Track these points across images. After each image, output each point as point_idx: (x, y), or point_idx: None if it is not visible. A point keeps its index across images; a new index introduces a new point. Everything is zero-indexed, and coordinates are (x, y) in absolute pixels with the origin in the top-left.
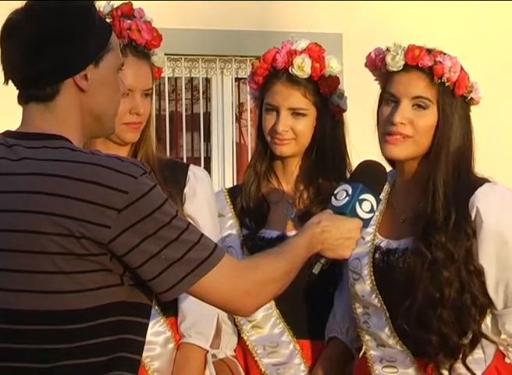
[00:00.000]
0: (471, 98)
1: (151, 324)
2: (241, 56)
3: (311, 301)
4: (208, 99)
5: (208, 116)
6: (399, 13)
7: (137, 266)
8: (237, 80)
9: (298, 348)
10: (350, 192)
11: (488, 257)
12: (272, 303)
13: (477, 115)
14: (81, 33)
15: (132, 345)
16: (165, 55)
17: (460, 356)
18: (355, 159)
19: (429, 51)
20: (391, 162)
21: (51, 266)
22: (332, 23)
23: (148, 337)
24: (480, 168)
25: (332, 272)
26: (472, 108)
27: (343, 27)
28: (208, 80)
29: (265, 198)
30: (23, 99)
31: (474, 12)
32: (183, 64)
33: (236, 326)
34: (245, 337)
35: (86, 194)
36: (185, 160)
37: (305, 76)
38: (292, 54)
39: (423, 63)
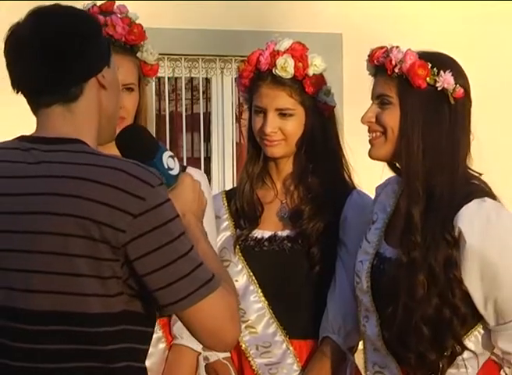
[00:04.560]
0: (444, 89)
1: None
2: (241, 56)
3: (304, 300)
4: (208, 99)
5: (208, 116)
6: (399, 13)
7: (145, 273)
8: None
9: (291, 347)
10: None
11: (473, 277)
12: (265, 303)
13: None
14: (97, 34)
15: (136, 353)
16: (165, 55)
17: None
18: (355, 159)
19: (387, 48)
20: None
21: (68, 268)
22: (332, 23)
23: None
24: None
25: (325, 272)
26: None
27: (343, 27)
28: (208, 80)
29: (259, 198)
30: (43, 105)
31: (473, 14)
32: (183, 64)
33: None
34: (239, 338)
35: (105, 197)
36: (185, 160)
37: (289, 77)
38: (275, 55)
39: (378, 60)
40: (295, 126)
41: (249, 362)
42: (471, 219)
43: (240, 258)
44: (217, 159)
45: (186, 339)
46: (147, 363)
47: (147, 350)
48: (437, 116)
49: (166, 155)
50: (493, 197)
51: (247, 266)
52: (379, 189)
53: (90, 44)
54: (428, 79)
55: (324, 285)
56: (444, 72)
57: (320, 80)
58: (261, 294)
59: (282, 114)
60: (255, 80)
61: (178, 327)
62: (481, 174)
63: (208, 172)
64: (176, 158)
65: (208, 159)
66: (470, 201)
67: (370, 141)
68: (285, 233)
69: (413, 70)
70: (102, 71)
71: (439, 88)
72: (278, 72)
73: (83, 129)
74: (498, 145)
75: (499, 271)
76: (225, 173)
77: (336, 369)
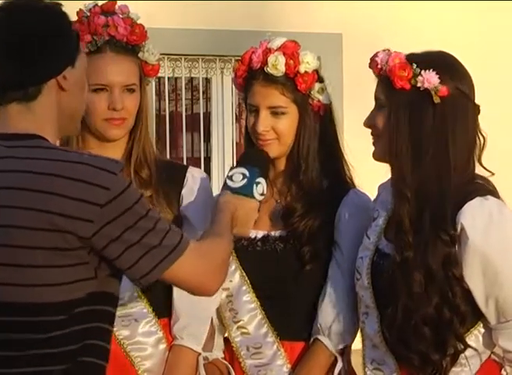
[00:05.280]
0: (426, 89)
1: (142, 324)
2: (241, 56)
3: (297, 302)
4: (208, 99)
5: (208, 116)
6: (399, 13)
7: (116, 256)
8: None
9: (282, 349)
10: (247, 175)
11: (474, 274)
12: (258, 303)
13: None
14: (61, 34)
15: (100, 333)
16: (165, 55)
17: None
18: (355, 160)
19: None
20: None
21: (32, 260)
22: (332, 23)
23: (139, 337)
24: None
25: (317, 272)
26: None
27: (343, 27)
28: (207, 80)
29: None
30: (4, 101)
31: (473, 13)
32: (183, 64)
33: (223, 326)
34: (230, 338)
35: (69, 190)
36: (185, 160)
37: (280, 74)
38: (266, 53)
39: (370, 64)
40: (288, 124)
41: (239, 362)
42: (473, 215)
43: (234, 258)
44: (217, 159)
45: (186, 340)
46: (148, 364)
47: (112, 331)
48: (420, 116)
49: (262, 179)
50: (497, 196)
51: (240, 266)
52: (381, 188)
53: (50, 46)
54: (411, 80)
55: (316, 286)
56: (425, 71)
57: (312, 77)
58: (254, 294)
59: (275, 112)
60: (249, 78)
61: (178, 328)
62: (493, 174)
63: (208, 172)
64: (265, 190)
65: (207, 159)
66: (473, 198)
67: (373, 143)
68: (278, 233)
69: (393, 72)
70: (64, 72)
71: (421, 88)
72: (269, 70)
73: (43, 126)
74: (497, 145)
75: (500, 269)
76: (225, 173)
77: (326, 372)
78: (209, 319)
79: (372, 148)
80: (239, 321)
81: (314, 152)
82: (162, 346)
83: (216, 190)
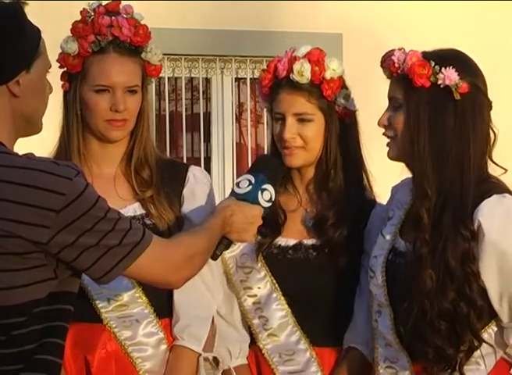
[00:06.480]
0: (447, 86)
1: (143, 325)
2: (241, 56)
3: (328, 309)
4: (208, 99)
5: (207, 116)
6: (399, 13)
7: (72, 259)
8: (237, 80)
9: (315, 355)
10: (253, 181)
11: (490, 271)
12: (289, 311)
13: None
14: (14, 39)
15: (58, 331)
16: (165, 55)
17: (457, 366)
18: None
19: (392, 50)
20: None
21: None
22: (332, 23)
23: (140, 338)
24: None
25: (349, 280)
26: None
27: (343, 27)
28: (207, 80)
29: (282, 206)
30: None
31: (474, 13)
32: (183, 64)
33: (251, 334)
34: (261, 346)
35: (25, 197)
36: (185, 160)
37: (305, 81)
38: (292, 61)
39: (383, 64)
40: (314, 131)
41: (272, 369)
42: (491, 213)
43: (263, 266)
44: (217, 159)
45: (186, 340)
46: (149, 365)
47: (68, 328)
48: (441, 114)
49: (269, 186)
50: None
51: (270, 273)
52: (395, 189)
53: (2, 53)
54: (431, 78)
55: (348, 293)
56: (445, 68)
57: (338, 83)
58: (284, 301)
59: (301, 119)
60: (274, 87)
61: (179, 329)
62: (506, 171)
63: (208, 172)
64: (273, 196)
65: (207, 159)
66: (490, 196)
67: (388, 144)
68: (310, 241)
69: (413, 70)
70: (16, 77)
71: (441, 86)
72: (295, 77)
73: None
74: (507, 142)
75: None
76: (225, 173)
77: None
78: (210, 319)
79: (369, 146)
80: (270, 328)
81: (340, 160)
82: (163, 347)
83: (216, 190)
